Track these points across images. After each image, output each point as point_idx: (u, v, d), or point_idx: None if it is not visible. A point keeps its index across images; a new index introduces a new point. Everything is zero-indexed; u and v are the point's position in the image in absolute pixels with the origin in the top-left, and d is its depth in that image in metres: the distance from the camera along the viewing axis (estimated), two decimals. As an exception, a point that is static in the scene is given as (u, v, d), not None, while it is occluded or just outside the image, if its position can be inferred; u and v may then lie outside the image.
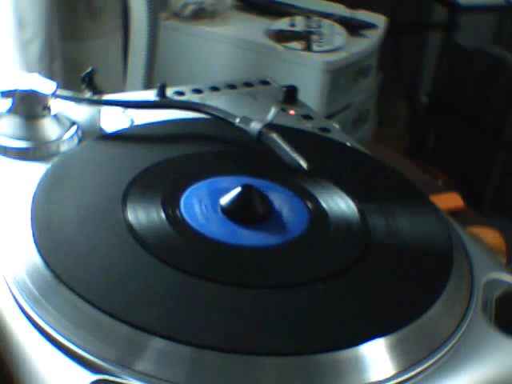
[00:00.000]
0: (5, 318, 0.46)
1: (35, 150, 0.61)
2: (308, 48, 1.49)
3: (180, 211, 0.53)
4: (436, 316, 0.48)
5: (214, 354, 0.42)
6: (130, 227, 0.51)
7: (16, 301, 0.46)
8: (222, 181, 0.58)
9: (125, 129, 0.65)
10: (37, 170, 0.57)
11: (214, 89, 0.78)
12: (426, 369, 0.45)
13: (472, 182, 1.92)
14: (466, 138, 2.01)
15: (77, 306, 0.44)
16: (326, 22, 1.60)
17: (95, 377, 0.41)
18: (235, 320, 0.45)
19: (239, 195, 0.54)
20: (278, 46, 1.49)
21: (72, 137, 0.63)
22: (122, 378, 0.41)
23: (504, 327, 0.49)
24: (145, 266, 0.48)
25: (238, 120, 0.63)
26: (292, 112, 0.75)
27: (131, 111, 0.68)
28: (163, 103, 0.71)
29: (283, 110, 0.74)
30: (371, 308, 0.48)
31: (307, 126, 0.72)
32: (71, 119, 0.65)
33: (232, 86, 0.79)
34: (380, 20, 1.66)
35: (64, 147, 0.62)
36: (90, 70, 0.68)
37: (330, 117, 1.48)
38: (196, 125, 0.66)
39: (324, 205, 0.57)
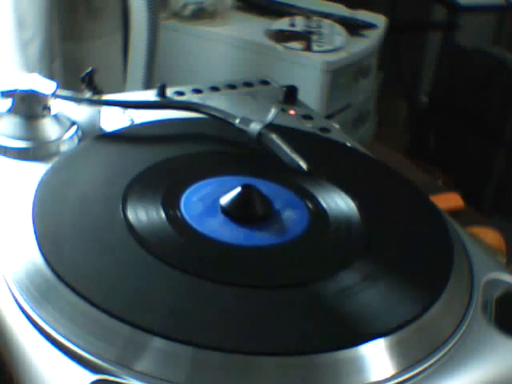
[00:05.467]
0: (5, 318, 0.46)
1: (35, 149, 0.61)
2: (308, 48, 1.49)
3: (180, 211, 0.53)
4: (436, 316, 0.48)
5: (214, 353, 0.42)
6: (130, 227, 0.51)
7: (16, 301, 0.46)
8: (221, 181, 0.58)
9: (125, 128, 0.65)
10: (37, 170, 0.57)
11: (214, 89, 0.78)
12: (426, 369, 0.45)
13: (472, 182, 1.92)
14: (465, 138, 2.01)
15: (77, 306, 0.44)
16: (325, 21, 1.60)
17: (95, 377, 0.41)
18: (235, 320, 0.45)
19: (239, 195, 0.54)
20: (278, 46, 1.49)
21: (72, 137, 0.63)
22: (122, 378, 0.41)
23: (504, 327, 0.49)
24: (145, 265, 0.48)
25: (237, 121, 0.63)
26: (292, 112, 0.75)
27: (131, 111, 0.68)
28: (163, 103, 0.71)
29: (283, 110, 0.74)
30: (371, 308, 0.48)
31: (307, 126, 0.72)
32: (71, 119, 0.65)
33: (232, 86, 0.79)
34: (380, 20, 1.66)
35: (64, 147, 0.62)
36: (89, 70, 0.68)
37: (329, 117, 1.48)
38: (196, 125, 0.66)
39: (324, 205, 0.57)
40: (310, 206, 0.56)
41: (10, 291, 0.47)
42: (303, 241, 0.53)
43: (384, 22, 1.66)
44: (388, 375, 0.44)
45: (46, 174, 0.56)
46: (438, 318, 0.48)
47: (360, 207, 0.57)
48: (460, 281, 0.51)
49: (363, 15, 1.66)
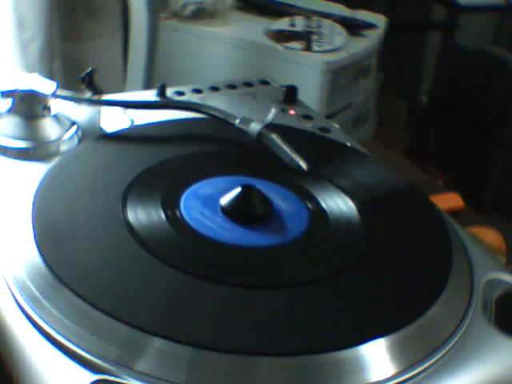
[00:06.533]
0: (5, 318, 0.46)
1: (35, 149, 0.61)
2: (308, 48, 1.49)
3: (180, 211, 0.53)
4: (436, 316, 0.48)
5: (214, 354, 0.42)
6: (130, 227, 0.51)
7: (16, 301, 0.46)
8: (222, 181, 0.58)
9: (125, 129, 0.65)
10: (37, 170, 0.57)
11: (214, 89, 0.78)
12: (426, 369, 0.45)
13: (472, 182, 1.92)
14: (466, 138, 2.01)
15: (77, 306, 0.44)
16: (325, 21, 1.60)
17: (95, 377, 0.41)
18: (235, 320, 0.45)
19: (239, 195, 0.54)
20: (278, 46, 1.49)
21: (72, 137, 0.63)
22: (122, 378, 0.41)
23: (504, 327, 0.49)
24: (145, 265, 0.48)
25: (237, 121, 0.63)
26: (292, 112, 0.75)
27: (131, 111, 0.68)
28: (163, 103, 0.71)
29: (283, 110, 0.74)
30: (371, 308, 0.48)
31: (307, 126, 0.72)
32: (71, 119, 0.65)
33: (232, 86, 0.79)
34: (380, 20, 1.66)
35: (64, 147, 0.62)
36: (89, 69, 0.68)
37: (329, 117, 1.48)
38: (196, 125, 0.66)
39: (324, 205, 0.57)
40: (309, 206, 0.56)
41: (10, 291, 0.47)
42: (303, 241, 0.53)
43: (384, 22, 1.66)
44: (388, 375, 0.44)
45: (46, 175, 0.56)
46: (437, 318, 0.48)
47: (360, 207, 0.57)
48: (460, 281, 0.51)
49: (363, 15, 1.67)
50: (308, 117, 0.74)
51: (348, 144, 0.69)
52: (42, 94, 0.62)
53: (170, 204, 0.54)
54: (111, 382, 0.41)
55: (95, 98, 0.67)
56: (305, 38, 1.52)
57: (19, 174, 0.58)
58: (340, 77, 1.52)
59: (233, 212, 0.53)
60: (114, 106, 0.68)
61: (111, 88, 0.75)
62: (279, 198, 0.56)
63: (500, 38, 2.31)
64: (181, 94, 0.75)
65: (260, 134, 0.61)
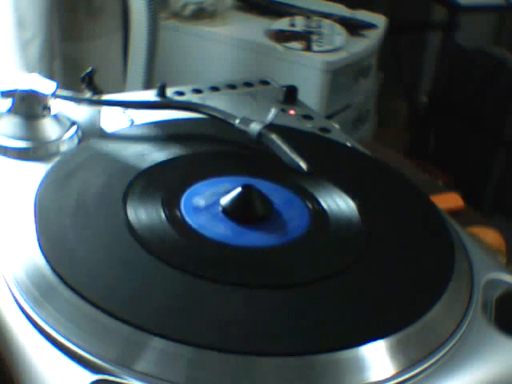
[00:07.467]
0: (5, 318, 0.46)
1: (35, 149, 0.61)
2: (308, 48, 1.49)
3: (180, 211, 0.53)
4: (436, 316, 0.48)
5: (214, 354, 0.42)
6: (130, 227, 0.51)
7: (16, 301, 0.46)
8: (222, 181, 0.58)
9: (125, 129, 0.65)
10: (37, 170, 0.57)
11: (214, 89, 0.78)
12: (426, 369, 0.45)
13: (472, 182, 1.92)
14: (466, 138, 2.01)
15: (77, 306, 0.44)
16: (325, 22, 1.60)
17: (95, 377, 0.41)
18: (235, 320, 0.45)
19: (239, 195, 0.54)
20: (278, 46, 1.49)
21: (72, 137, 0.63)
22: (122, 378, 0.41)
23: (504, 327, 0.49)
24: (145, 265, 0.48)
25: (237, 121, 0.63)
26: (292, 112, 0.75)
27: (131, 111, 0.68)
28: (163, 103, 0.71)
29: (283, 110, 0.74)
30: (371, 308, 0.48)
31: (307, 126, 0.72)
32: (71, 119, 0.65)
33: (232, 86, 0.79)
34: (380, 20, 1.66)
35: (64, 147, 0.62)
36: (89, 70, 0.68)
37: (329, 117, 1.48)
38: (196, 125, 0.66)
39: (324, 205, 0.57)
40: (310, 206, 0.56)
41: (10, 291, 0.47)
42: (303, 241, 0.53)
43: (384, 22, 1.66)
44: (388, 375, 0.44)
45: (47, 174, 0.56)
46: (438, 318, 0.48)
47: (360, 207, 0.57)
48: (460, 281, 0.51)
49: (363, 15, 1.67)
50: (308, 117, 0.74)
51: (348, 144, 0.69)
52: (42, 94, 0.62)
53: (170, 204, 0.54)
54: (111, 381, 0.41)
55: (95, 98, 0.67)
56: (305, 37, 1.52)
57: (19, 174, 0.58)
58: (340, 77, 1.52)
59: (233, 212, 0.53)
60: (113, 106, 0.68)
61: (111, 88, 0.74)
62: (279, 198, 0.56)
63: (500, 38, 2.31)
64: (181, 94, 0.75)
65: (260, 134, 0.61)
